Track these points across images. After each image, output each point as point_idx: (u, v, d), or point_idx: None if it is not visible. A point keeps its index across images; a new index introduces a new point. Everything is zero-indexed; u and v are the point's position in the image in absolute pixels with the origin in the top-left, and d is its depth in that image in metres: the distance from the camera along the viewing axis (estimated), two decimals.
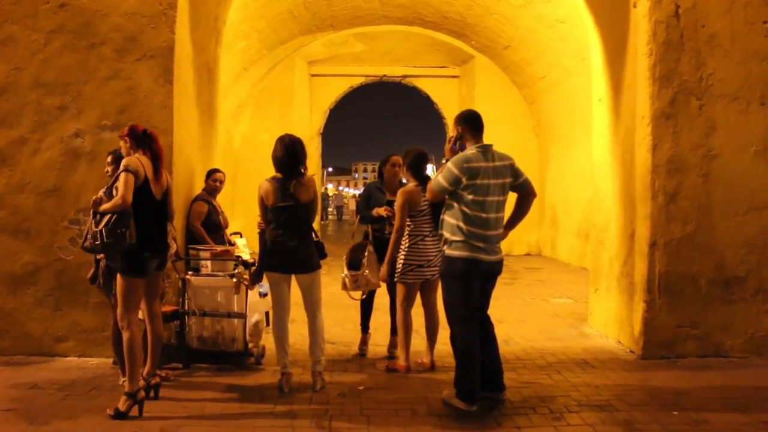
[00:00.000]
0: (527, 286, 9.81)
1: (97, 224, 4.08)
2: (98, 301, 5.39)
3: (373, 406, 4.39)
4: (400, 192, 5.10)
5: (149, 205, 4.26)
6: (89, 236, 4.14)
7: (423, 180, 5.12)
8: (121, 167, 4.14)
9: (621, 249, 6.08)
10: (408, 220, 5.09)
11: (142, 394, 4.18)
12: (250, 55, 12.48)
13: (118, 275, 4.21)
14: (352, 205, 32.73)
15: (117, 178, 4.15)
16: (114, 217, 4.04)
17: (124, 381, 4.37)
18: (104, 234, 4.04)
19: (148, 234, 4.24)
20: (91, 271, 4.74)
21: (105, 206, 4.10)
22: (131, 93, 5.50)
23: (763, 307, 5.60)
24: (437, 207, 5.07)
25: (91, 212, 4.15)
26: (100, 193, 4.37)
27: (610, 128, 6.42)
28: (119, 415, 4.05)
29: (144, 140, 4.29)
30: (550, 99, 13.23)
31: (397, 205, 5.05)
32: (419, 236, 5.10)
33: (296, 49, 13.90)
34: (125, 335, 4.17)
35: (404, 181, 5.51)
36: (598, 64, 6.77)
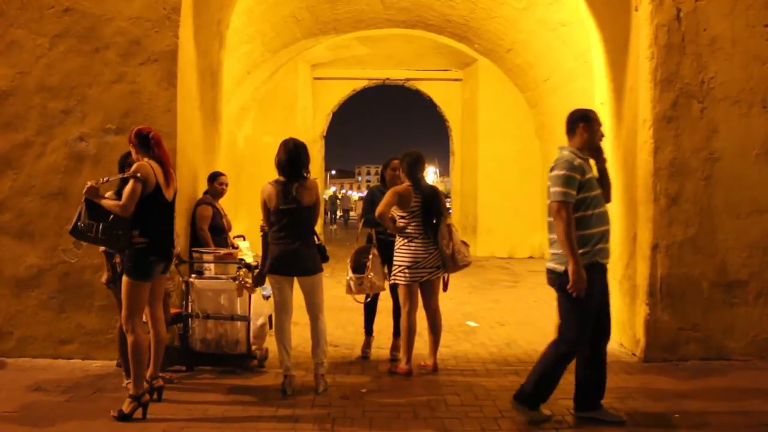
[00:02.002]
0: (530, 289, 9.80)
1: (92, 216, 4.09)
2: (102, 303, 5.42)
3: (376, 408, 4.41)
4: (391, 190, 5.20)
5: (161, 210, 4.28)
6: (80, 223, 4.12)
7: (416, 181, 5.17)
8: (131, 172, 4.14)
9: (623, 252, 6.09)
10: (400, 220, 5.15)
11: (147, 397, 4.20)
12: (253, 58, 12.50)
13: (124, 277, 4.21)
14: (360, 209, 32.06)
15: (126, 182, 4.15)
16: (114, 217, 4.06)
17: (128, 383, 4.40)
18: (99, 229, 4.06)
19: (157, 238, 4.26)
20: (107, 274, 4.74)
21: (106, 203, 4.10)
22: (135, 97, 5.54)
23: (765, 310, 5.59)
24: (427, 209, 5.13)
25: (84, 199, 4.13)
26: (101, 180, 4.30)
27: (612, 131, 6.42)
28: (123, 418, 4.07)
29: (148, 143, 4.28)
30: (553, 102, 13.21)
31: (384, 197, 5.15)
32: (408, 237, 5.14)
33: (299, 53, 13.91)
34: (129, 339, 4.18)
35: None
36: (599, 68, 6.79)
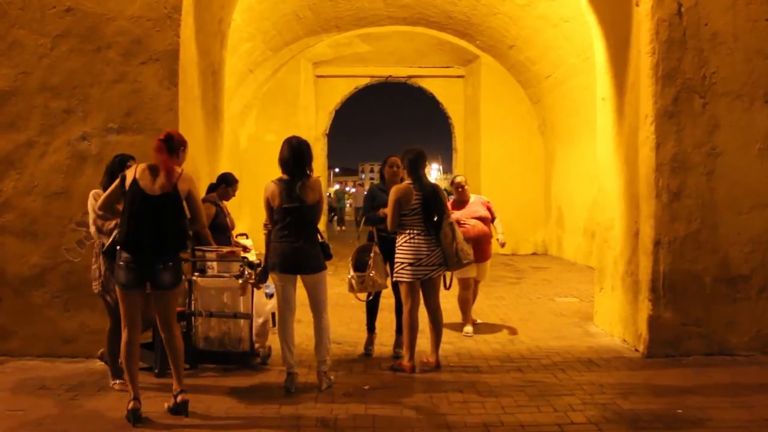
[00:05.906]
0: (533, 285, 9.80)
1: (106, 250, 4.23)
2: None
3: (379, 405, 4.41)
4: (392, 190, 5.18)
5: (135, 206, 4.08)
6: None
7: (418, 179, 5.17)
8: None
9: (625, 248, 6.09)
10: (401, 218, 5.15)
11: (136, 405, 4.03)
12: (255, 56, 12.52)
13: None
14: None
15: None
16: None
17: (114, 383, 4.56)
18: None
19: (128, 237, 4.08)
20: (101, 280, 4.76)
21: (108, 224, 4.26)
22: (137, 96, 5.55)
23: None
24: (428, 206, 5.13)
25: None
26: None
27: (614, 127, 6.42)
28: (128, 417, 4.06)
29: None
30: (555, 98, 13.21)
31: (389, 201, 5.15)
32: (410, 234, 5.14)
33: (301, 51, 13.93)
34: (122, 337, 4.15)
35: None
36: (601, 63, 6.78)
